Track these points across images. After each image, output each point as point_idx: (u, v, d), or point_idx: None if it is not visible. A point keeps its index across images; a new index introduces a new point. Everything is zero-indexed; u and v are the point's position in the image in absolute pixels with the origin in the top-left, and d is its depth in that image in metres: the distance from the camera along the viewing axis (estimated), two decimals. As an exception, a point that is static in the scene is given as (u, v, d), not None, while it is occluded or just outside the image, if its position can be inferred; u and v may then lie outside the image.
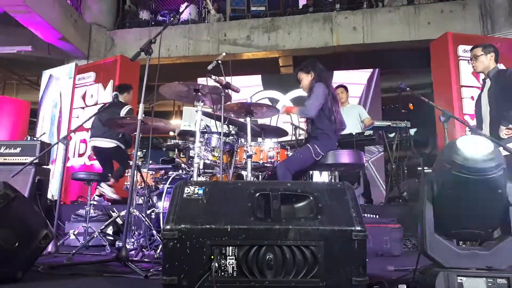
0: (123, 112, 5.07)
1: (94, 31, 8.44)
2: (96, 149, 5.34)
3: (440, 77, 6.28)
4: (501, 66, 5.61)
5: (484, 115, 3.79)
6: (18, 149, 4.43)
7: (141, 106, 2.64)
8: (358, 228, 1.68)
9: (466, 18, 7.21)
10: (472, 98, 5.58)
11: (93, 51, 8.38)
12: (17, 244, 1.95)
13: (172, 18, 3.30)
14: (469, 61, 4.02)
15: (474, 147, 1.62)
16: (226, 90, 3.15)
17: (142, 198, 3.57)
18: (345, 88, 5.67)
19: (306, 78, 3.72)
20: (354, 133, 4.73)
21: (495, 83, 3.69)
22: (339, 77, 8.08)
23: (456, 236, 1.74)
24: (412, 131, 5.88)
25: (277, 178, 3.33)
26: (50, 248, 3.02)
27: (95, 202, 5.05)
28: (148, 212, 3.56)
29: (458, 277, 1.56)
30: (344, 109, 5.43)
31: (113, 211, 4.13)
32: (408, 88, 3.11)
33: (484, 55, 3.73)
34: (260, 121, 4.10)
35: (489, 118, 3.72)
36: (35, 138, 4.75)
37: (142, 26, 8.63)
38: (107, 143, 5.18)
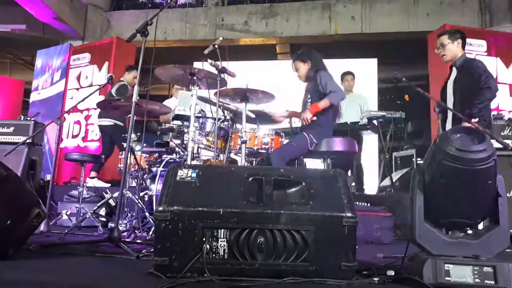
0: (113, 90, 5.17)
1: (90, 11, 8.32)
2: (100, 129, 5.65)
3: (436, 69, 6.27)
4: (499, 60, 5.64)
5: (448, 105, 3.68)
6: (11, 129, 4.41)
7: (136, 88, 2.62)
8: (349, 214, 1.70)
9: (465, 11, 7.17)
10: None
11: (88, 32, 8.27)
12: (8, 222, 1.95)
13: (169, 1, 3.26)
14: (436, 50, 3.67)
15: (466, 138, 1.64)
16: (222, 75, 3.15)
17: (136, 180, 3.58)
18: (353, 75, 5.53)
19: (303, 67, 3.70)
20: (348, 122, 4.72)
21: (460, 74, 3.51)
22: (340, 65, 7.98)
23: (445, 225, 1.76)
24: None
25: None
26: (42, 227, 3.03)
27: (90, 184, 5.06)
28: (141, 194, 3.57)
29: (445, 265, 1.58)
30: (347, 97, 5.38)
31: (106, 193, 4.13)
32: (404, 79, 3.10)
33: (451, 42, 3.53)
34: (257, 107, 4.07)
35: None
36: (28, 118, 4.72)
37: (139, 8, 8.50)
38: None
